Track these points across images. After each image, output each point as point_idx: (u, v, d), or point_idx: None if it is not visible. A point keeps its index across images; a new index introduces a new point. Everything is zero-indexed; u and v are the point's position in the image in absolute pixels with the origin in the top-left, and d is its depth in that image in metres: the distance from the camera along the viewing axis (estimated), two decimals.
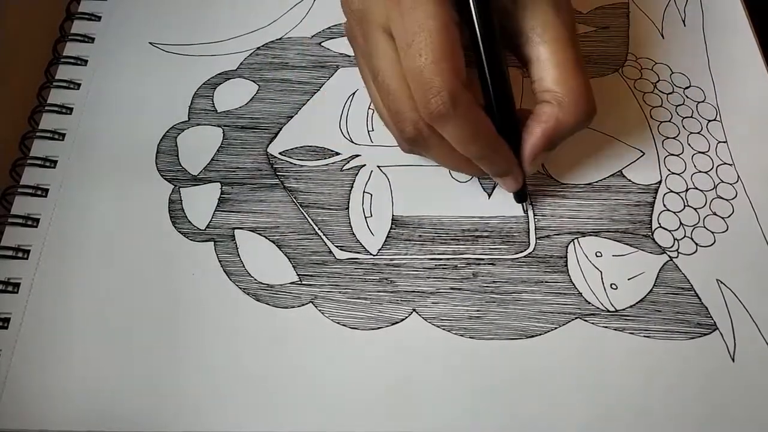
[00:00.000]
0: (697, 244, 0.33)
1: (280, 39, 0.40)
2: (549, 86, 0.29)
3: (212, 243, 0.33)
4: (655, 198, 0.35)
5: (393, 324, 0.31)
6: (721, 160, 0.36)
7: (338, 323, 0.31)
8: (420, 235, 0.34)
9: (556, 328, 0.31)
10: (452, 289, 0.32)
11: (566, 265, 0.33)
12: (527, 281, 0.32)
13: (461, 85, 0.27)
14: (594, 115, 0.30)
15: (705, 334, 0.31)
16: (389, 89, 0.29)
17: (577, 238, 0.34)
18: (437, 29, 0.26)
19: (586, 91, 0.29)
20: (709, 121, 0.37)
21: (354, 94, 0.38)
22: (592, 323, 0.31)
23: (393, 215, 0.34)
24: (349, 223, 0.34)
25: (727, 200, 0.35)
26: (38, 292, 0.32)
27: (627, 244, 0.33)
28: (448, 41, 0.27)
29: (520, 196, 0.34)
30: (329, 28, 0.41)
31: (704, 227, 0.34)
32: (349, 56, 0.39)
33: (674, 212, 0.34)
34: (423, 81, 0.27)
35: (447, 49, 0.27)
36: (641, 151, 0.36)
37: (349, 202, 0.35)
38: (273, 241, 0.33)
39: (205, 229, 0.34)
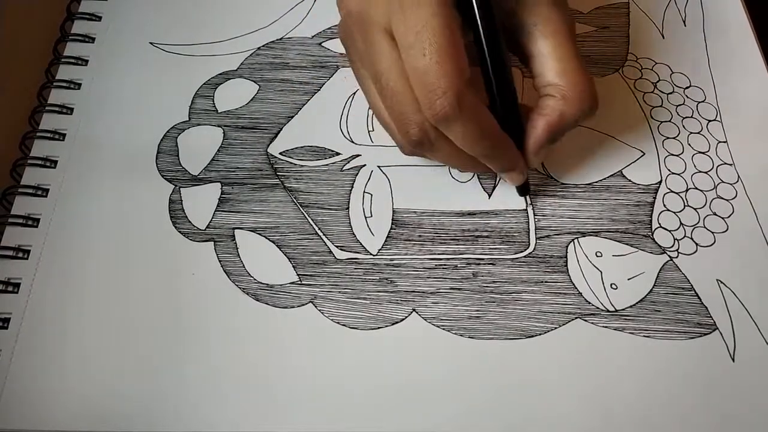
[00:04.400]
0: (697, 244, 0.33)
1: (280, 39, 0.40)
2: (552, 80, 0.29)
3: (212, 243, 0.33)
4: (655, 198, 0.35)
5: (393, 324, 0.31)
6: (722, 160, 0.36)
7: (338, 323, 0.31)
8: (420, 235, 0.34)
9: (556, 328, 0.31)
10: (452, 289, 0.32)
11: (566, 265, 0.33)
12: (527, 281, 0.32)
13: (466, 85, 0.27)
14: (596, 108, 0.30)
15: (705, 334, 0.31)
16: (393, 91, 0.29)
17: (577, 238, 0.34)
18: (441, 28, 0.26)
19: (589, 84, 0.30)
20: (710, 121, 0.37)
21: (354, 94, 0.38)
22: (592, 323, 0.31)
23: (393, 215, 0.34)
24: (349, 223, 0.34)
25: (727, 200, 0.35)
26: (38, 292, 0.32)
27: (627, 244, 0.33)
28: (452, 40, 0.27)
29: (524, 189, 0.34)
30: (330, 28, 0.41)
31: (704, 227, 0.34)
32: None
33: (674, 212, 0.34)
34: (427, 82, 0.27)
35: (451, 48, 0.26)
36: (641, 151, 0.36)
37: (349, 202, 0.35)
38: (273, 241, 0.33)
39: (205, 229, 0.34)
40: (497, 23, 0.29)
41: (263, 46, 0.40)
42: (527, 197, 0.34)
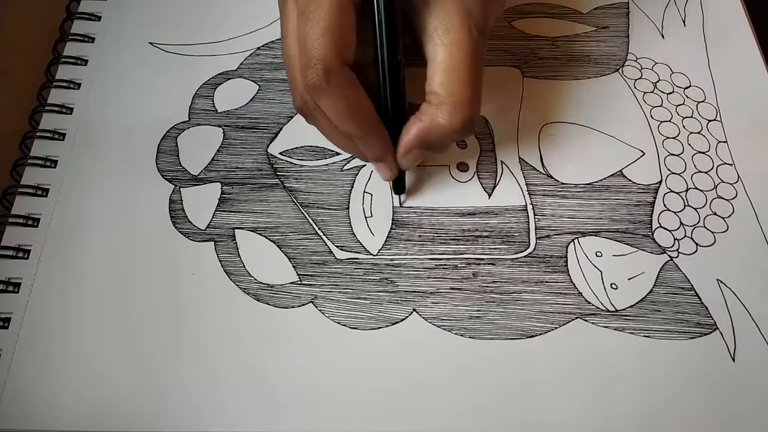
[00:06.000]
0: (697, 244, 0.33)
1: (280, 39, 0.40)
2: (434, 88, 0.29)
3: (212, 243, 0.33)
4: (655, 198, 0.35)
5: (393, 324, 0.31)
6: (721, 160, 0.36)
7: (338, 323, 0.31)
8: (420, 235, 0.34)
9: (556, 328, 0.31)
10: (452, 289, 0.32)
11: (566, 265, 0.33)
12: (527, 281, 0.32)
13: (339, 62, 0.27)
14: (473, 126, 0.30)
15: (705, 334, 0.31)
16: (287, 53, 0.29)
17: (577, 237, 0.34)
18: (331, 4, 0.27)
19: (469, 101, 0.29)
20: (710, 121, 0.37)
21: None
22: (592, 323, 0.31)
23: (393, 215, 0.34)
24: (350, 223, 0.34)
25: (727, 200, 0.35)
26: (38, 291, 0.32)
27: (627, 244, 0.33)
28: (338, 16, 0.27)
29: (396, 187, 0.34)
30: None
31: (704, 227, 0.34)
32: None
33: (674, 212, 0.34)
34: (305, 50, 0.27)
35: (334, 23, 0.27)
36: (641, 151, 0.36)
37: (349, 202, 0.35)
38: (273, 241, 0.33)
39: (205, 229, 0.34)
40: (396, 16, 0.29)
41: (263, 46, 0.40)
42: (400, 196, 0.34)
